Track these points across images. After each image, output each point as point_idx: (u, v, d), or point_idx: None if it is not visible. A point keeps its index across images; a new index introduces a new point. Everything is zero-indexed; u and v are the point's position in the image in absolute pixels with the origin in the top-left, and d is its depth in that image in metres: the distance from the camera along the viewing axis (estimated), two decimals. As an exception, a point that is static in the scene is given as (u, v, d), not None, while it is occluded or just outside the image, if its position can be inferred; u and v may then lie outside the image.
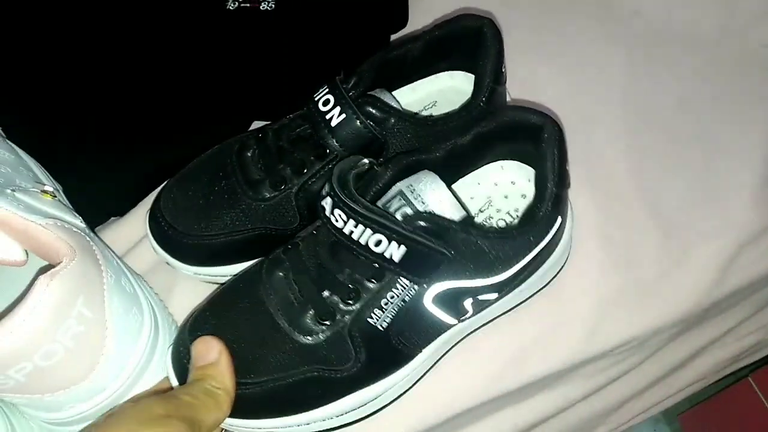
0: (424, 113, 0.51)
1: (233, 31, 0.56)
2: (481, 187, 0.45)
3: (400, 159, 0.38)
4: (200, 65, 0.55)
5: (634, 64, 0.58)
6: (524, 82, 0.55)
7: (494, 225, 0.44)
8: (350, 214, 0.34)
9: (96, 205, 0.50)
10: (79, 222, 0.42)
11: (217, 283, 0.46)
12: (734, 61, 0.58)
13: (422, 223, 0.35)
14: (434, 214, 0.35)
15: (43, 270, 0.37)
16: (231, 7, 0.57)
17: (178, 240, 0.45)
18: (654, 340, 0.48)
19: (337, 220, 0.35)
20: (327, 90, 0.43)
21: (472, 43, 0.46)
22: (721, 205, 0.50)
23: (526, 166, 0.44)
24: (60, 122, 0.53)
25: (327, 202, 0.35)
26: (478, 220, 0.44)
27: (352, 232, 0.34)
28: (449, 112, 0.45)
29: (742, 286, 0.49)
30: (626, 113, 0.54)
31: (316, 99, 0.43)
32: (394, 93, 0.49)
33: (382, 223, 0.34)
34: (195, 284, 0.47)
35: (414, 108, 0.51)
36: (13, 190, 0.39)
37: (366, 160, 0.38)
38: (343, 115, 0.41)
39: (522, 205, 0.45)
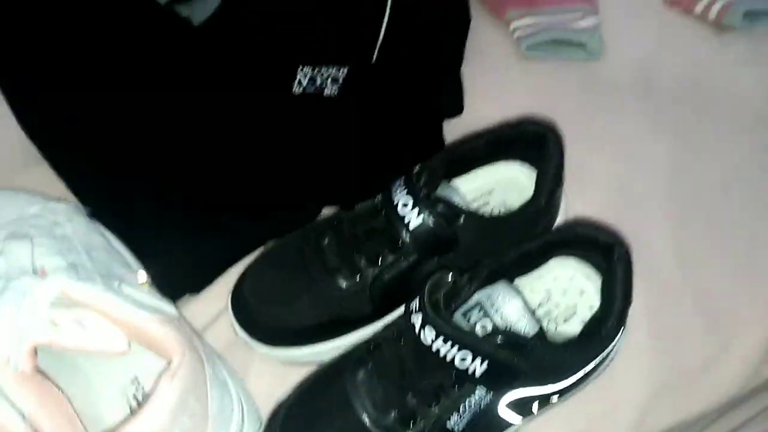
0: (482, 199, 0.55)
1: (299, 115, 0.60)
2: (542, 281, 0.49)
3: (479, 272, 0.42)
4: (269, 148, 0.59)
5: (677, 150, 0.62)
6: (573, 168, 0.59)
7: (554, 320, 0.48)
8: (440, 333, 0.38)
9: (174, 282, 0.53)
10: (174, 311, 0.45)
11: (292, 363, 0.50)
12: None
13: (502, 340, 0.38)
14: (513, 332, 0.39)
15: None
16: (297, 92, 0.61)
17: (261, 323, 0.48)
18: (698, 425, 0.51)
19: (426, 337, 0.38)
20: (405, 190, 0.46)
21: (533, 144, 0.50)
22: (763, 293, 0.54)
23: (585, 263, 0.48)
24: (140, 202, 0.56)
25: (417, 318, 0.39)
26: (539, 313, 0.48)
27: (439, 349, 0.38)
28: (512, 212, 0.49)
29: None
30: (672, 200, 0.58)
31: (393, 200, 0.46)
32: (455, 180, 0.53)
33: (468, 343, 0.38)
34: (270, 364, 0.50)
35: (473, 194, 0.55)
36: (118, 283, 0.43)
37: (450, 278, 0.41)
38: (420, 219, 0.45)
39: (580, 301, 0.48)
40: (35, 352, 0.38)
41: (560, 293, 0.49)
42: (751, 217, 0.58)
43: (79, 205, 0.55)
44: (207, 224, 0.55)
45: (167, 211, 0.56)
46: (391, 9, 0.65)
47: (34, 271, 0.40)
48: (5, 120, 0.60)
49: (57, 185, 0.57)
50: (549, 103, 0.65)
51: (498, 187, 0.55)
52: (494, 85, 0.66)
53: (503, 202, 0.54)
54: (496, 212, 0.54)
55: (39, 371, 0.38)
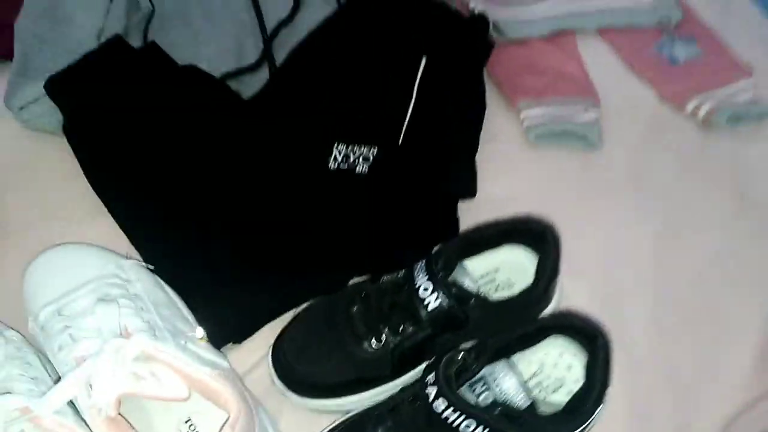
0: (489, 276, 0.64)
1: (333, 189, 0.69)
2: (536, 355, 0.57)
3: (485, 352, 0.50)
4: (306, 216, 0.68)
5: (660, 239, 0.70)
6: (566, 249, 0.66)
7: (545, 389, 0.56)
8: (450, 404, 0.46)
9: (220, 332, 0.61)
10: (227, 364, 0.54)
11: (319, 412, 0.58)
12: (745, 242, 0.71)
13: (500, 412, 0.46)
14: (509, 405, 0.48)
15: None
16: (332, 167, 0.70)
17: (296, 377, 0.57)
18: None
19: (438, 406, 0.47)
20: (426, 275, 0.55)
21: (534, 236, 0.59)
22: (725, 374, 0.62)
23: (573, 344, 0.56)
24: (192, 259, 0.65)
25: (432, 390, 0.47)
26: (532, 383, 0.56)
27: (449, 416, 0.46)
28: (514, 296, 0.58)
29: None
30: (652, 286, 0.67)
31: (415, 282, 0.55)
32: (467, 261, 0.62)
33: (473, 413, 0.46)
34: (301, 411, 0.58)
35: (481, 272, 0.63)
36: (184, 341, 0.51)
37: (461, 356, 0.50)
38: (438, 303, 0.54)
39: (567, 374, 0.57)
40: (120, 400, 0.46)
41: (551, 366, 0.57)
42: (722, 304, 0.66)
43: (141, 260, 0.64)
44: (251, 283, 0.64)
45: (216, 267, 0.64)
46: (416, 96, 0.74)
47: (120, 331, 0.49)
48: (74, 174, 0.69)
49: (120, 236, 0.66)
50: (550, 188, 0.74)
51: (503, 266, 0.63)
52: (502, 167, 0.74)
53: (508, 280, 0.63)
54: (501, 288, 0.63)
55: (121, 415, 0.47)
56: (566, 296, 0.62)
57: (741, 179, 0.76)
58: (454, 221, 0.69)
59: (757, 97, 0.79)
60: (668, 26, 0.86)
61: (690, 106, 0.79)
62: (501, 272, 0.63)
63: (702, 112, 0.79)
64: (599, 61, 0.85)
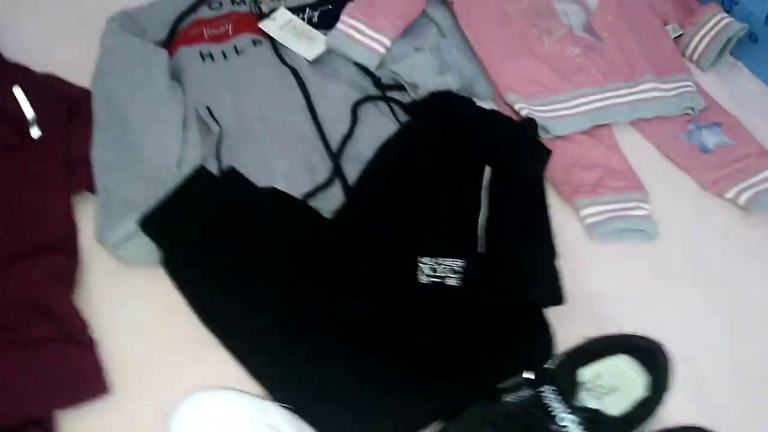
0: (593, 382, 0.68)
1: (425, 302, 0.73)
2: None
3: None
4: (412, 337, 0.71)
5: (728, 325, 0.77)
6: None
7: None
8: None
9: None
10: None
11: None
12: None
13: None
14: None
15: None
16: (423, 281, 0.74)
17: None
18: None
19: None
20: (562, 405, 0.59)
21: (639, 350, 0.65)
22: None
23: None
24: (317, 389, 0.67)
25: None
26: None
27: None
28: (632, 412, 0.63)
29: None
30: (729, 374, 0.72)
31: (551, 411, 0.60)
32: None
33: None
34: None
35: (586, 378, 0.68)
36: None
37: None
38: (575, 429, 0.59)
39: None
40: None
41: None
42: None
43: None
44: (374, 409, 0.67)
45: (340, 396, 0.67)
46: (487, 206, 0.78)
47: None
48: (178, 306, 0.71)
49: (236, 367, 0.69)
50: (617, 281, 0.80)
51: (605, 371, 0.69)
52: (570, 263, 0.77)
53: (611, 385, 0.68)
54: (607, 393, 0.67)
55: None
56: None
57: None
58: (546, 330, 0.73)
59: (786, 180, 0.88)
60: (693, 114, 0.94)
61: (730, 194, 0.87)
62: (604, 378, 0.68)
63: (742, 200, 0.86)
64: (637, 151, 0.92)
